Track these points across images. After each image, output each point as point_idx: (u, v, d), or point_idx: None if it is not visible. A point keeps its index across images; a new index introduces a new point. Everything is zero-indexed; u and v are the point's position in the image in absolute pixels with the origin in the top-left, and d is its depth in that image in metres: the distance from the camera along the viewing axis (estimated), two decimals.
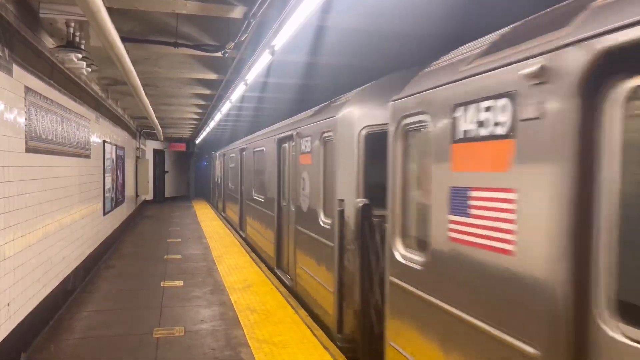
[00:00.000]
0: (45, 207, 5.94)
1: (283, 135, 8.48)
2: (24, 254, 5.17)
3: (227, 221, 17.67)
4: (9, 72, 4.68)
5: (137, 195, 18.51)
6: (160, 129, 16.60)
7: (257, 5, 4.88)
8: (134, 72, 6.61)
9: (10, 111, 4.70)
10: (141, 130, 20.14)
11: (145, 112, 11.01)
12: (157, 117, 13.74)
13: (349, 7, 5.24)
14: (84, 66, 6.03)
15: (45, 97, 5.93)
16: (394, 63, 6.75)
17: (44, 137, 5.86)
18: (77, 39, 5.69)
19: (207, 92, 10.83)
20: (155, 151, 25.79)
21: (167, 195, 27.79)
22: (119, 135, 13.07)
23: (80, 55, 5.68)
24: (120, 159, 13.18)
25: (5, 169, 4.60)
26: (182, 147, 28.23)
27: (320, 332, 5.84)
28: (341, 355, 5.19)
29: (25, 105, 5.16)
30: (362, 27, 5.64)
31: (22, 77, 5.05)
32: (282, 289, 7.94)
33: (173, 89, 10.76)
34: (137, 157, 18.73)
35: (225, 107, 11.48)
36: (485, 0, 4.82)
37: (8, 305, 4.70)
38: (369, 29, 5.75)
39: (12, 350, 4.84)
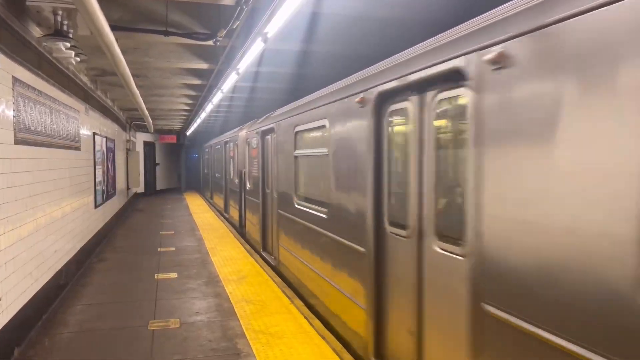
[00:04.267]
0: (35, 200, 5.84)
1: (226, 140, 16.09)
2: (15, 247, 5.08)
3: (202, 194, 26.39)
4: None
5: (128, 188, 18.35)
6: (150, 120, 16.43)
7: None
8: (124, 61, 6.49)
9: None
10: (131, 122, 19.93)
11: (135, 103, 10.87)
12: (147, 109, 13.58)
13: None
14: (73, 55, 5.91)
15: (34, 88, 5.81)
16: (387, 49, 6.69)
17: (32, 128, 5.75)
18: (65, 28, 5.56)
19: (198, 82, 10.71)
20: (146, 143, 25.56)
21: (158, 187, 27.60)
22: (109, 127, 12.92)
23: (68, 44, 5.56)
24: (110, 151, 13.03)
25: None
26: (172, 139, 27.98)
27: (317, 323, 5.82)
28: (338, 344, 5.18)
29: (14, 96, 5.04)
30: (357, 13, 5.56)
31: (9, 67, 4.93)
32: (277, 279, 7.92)
33: (163, 79, 10.62)
34: (128, 150, 18.55)
35: (217, 98, 11.37)
36: None
37: (0, 299, 4.63)
38: (364, 15, 5.68)
39: (6, 345, 4.77)
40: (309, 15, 5.74)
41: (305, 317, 6.01)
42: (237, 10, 5.29)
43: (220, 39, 6.21)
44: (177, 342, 5.31)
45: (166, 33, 6.18)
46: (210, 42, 6.42)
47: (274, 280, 7.81)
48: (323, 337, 5.34)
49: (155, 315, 6.21)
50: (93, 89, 10.33)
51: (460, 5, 4.81)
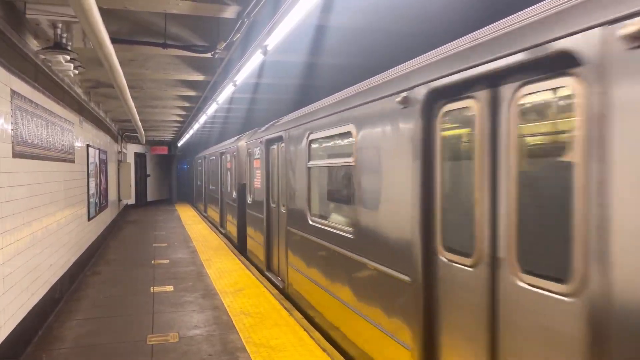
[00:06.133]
0: (32, 213, 5.77)
1: (211, 153, 18.51)
2: (13, 262, 5.01)
3: (194, 206, 26.69)
4: None
5: (119, 200, 18.20)
6: (142, 132, 16.34)
7: (252, 5, 4.80)
8: (121, 73, 6.46)
9: None
10: (123, 133, 19.82)
11: (129, 115, 10.81)
12: (140, 120, 13.51)
13: (349, 6, 5.18)
14: (72, 68, 5.87)
15: (31, 101, 5.77)
16: (391, 61, 6.73)
17: (30, 141, 5.70)
18: (64, 40, 5.54)
19: (193, 93, 10.69)
20: (137, 154, 25.39)
21: (149, 199, 27.39)
22: (101, 139, 12.83)
23: (68, 57, 5.53)
24: (103, 163, 12.93)
25: None
26: (164, 150, 27.83)
27: (317, 335, 5.79)
28: (341, 357, 5.14)
29: (12, 109, 5.00)
30: (362, 25, 5.58)
31: (8, 80, 4.89)
32: (274, 291, 7.87)
33: (158, 90, 10.60)
34: (119, 161, 18.43)
35: (212, 109, 11.36)
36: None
37: None
38: (370, 28, 5.69)
39: None
40: (313, 27, 5.75)
41: (304, 330, 5.97)
42: (239, 23, 5.30)
43: (220, 51, 6.22)
44: (177, 357, 5.24)
45: (165, 45, 6.18)
46: (208, 55, 6.43)
47: (271, 293, 7.76)
48: (324, 350, 5.31)
49: (153, 329, 6.14)
50: (87, 100, 10.27)
51: (464, 17, 4.87)
